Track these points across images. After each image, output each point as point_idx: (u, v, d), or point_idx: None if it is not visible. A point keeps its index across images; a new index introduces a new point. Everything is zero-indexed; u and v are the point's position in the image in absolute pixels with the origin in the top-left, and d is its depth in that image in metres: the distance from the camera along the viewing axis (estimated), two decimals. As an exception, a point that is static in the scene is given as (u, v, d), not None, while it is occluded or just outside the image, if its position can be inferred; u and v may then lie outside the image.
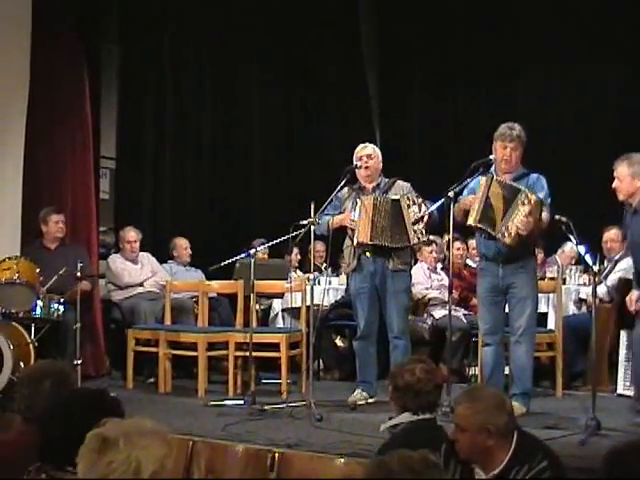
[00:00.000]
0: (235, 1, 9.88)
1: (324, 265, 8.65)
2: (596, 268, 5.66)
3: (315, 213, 6.16)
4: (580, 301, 7.93)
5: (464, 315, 7.96)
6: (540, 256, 7.61)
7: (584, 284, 7.98)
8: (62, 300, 6.88)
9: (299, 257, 9.18)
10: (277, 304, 8.59)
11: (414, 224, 6.36)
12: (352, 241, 6.50)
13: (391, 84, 11.71)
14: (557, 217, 5.58)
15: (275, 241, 6.78)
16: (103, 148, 8.64)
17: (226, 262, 6.92)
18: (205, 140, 9.85)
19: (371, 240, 6.40)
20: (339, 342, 8.44)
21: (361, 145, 6.69)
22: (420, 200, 6.41)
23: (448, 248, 7.11)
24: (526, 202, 5.72)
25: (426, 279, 8.31)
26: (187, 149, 9.67)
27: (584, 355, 7.26)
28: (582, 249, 5.56)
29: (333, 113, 11.31)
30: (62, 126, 7.81)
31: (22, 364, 6.28)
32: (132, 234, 8.15)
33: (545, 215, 5.85)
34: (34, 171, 7.65)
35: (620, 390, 6.99)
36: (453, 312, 6.64)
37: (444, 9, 10.90)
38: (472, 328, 7.46)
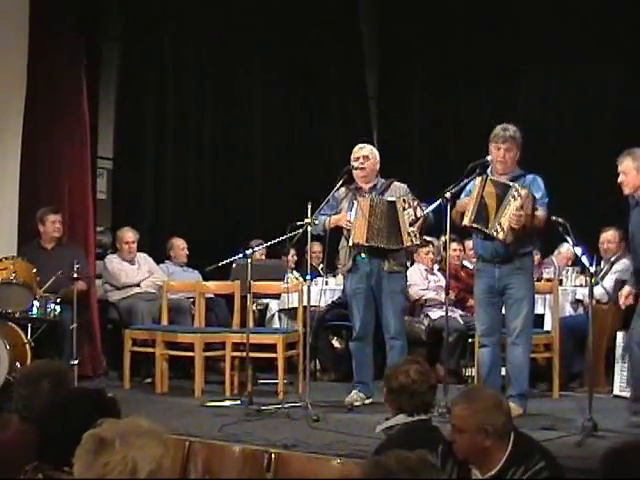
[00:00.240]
0: (236, 1, 9.89)
1: (321, 266, 8.65)
2: (593, 269, 5.66)
3: (312, 214, 6.17)
4: (577, 302, 7.93)
5: (461, 316, 7.97)
6: (537, 257, 7.61)
7: (581, 285, 7.98)
8: (59, 300, 6.88)
9: (296, 258, 9.18)
10: (274, 305, 8.58)
11: (410, 225, 6.36)
12: (348, 242, 6.51)
13: (391, 84, 11.70)
14: (554, 218, 5.58)
15: (272, 242, 6.77)
16: (100, 148, 8.65)
17: (223, 262, 6.92)
18: (205, 140, 9.86)
19: (367, 241, 6.40)
20: (336, 343, 8.43)
21: (358, 146, 6.69)
22: (416, 203, 6.41)
23: (445, 249, 7.13)
24: (517, 196, 5.75)
25: (423, 280, 8.31)
26: (187, 149, 9.67)
27: (581, 356, 7.26)
28: (579, 250, 5.56)
29: (334, 113, 11.31)
30: (60, 125, 7.81)
31: (19, 364, 6.28)
32: (130, 234, 8.15)
33: (541, 212, 5.86)
34: (32, 171, 7.65)
35: (617, 391, 6.99)
36: (450, 313, 6.66)
37: (444, 9, 10.89)
38: (469, 329, 7.47)
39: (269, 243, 6.90)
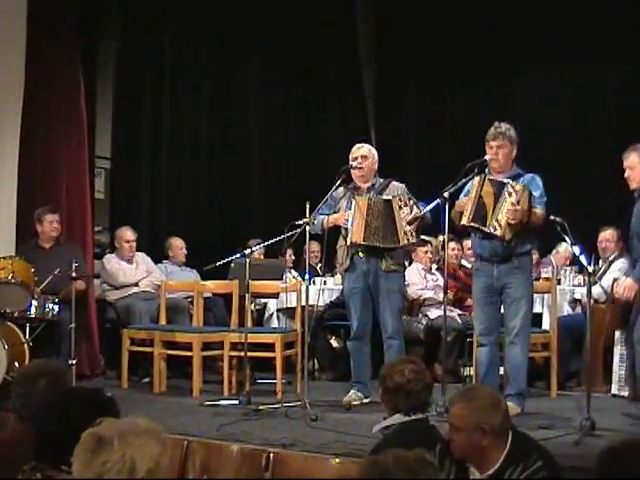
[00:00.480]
0: (235, 1, 9.89)
1: (319, 265, 8.65)
2: (591, 269, 5.66)
3: (310, 213, 6.17)
4: (575, 301, 7.94)
5: (459, 315, 7.98)
6: (535, 257, 7.62)
7: (579, 284, 7.99)
8: (57, 300, 6.87)
9: (294, 257, 9.18)
10: (272, 304, 8.59)
11: (409, 224, 6.37)
12: (345, 241, 6.51)
13: (389, 84, 11.69)
14: (552, 217, 5.59)
15: (270, 241, 6.78)
16: (98, 148, 8.64)
17: (221, 262, 6.92)
18: (203, 140, 9.86)
19: (364, 240, 6.40)
20: (334, 342, 8.43)
21: (357, 145, 6.70)
22: (412, 202, 6.42)
23: (443, 248, 7.13)
24: (512, 192, 5.77)
25: (421, 279, 8.32)
26: (184, 148, 9.67)
27: (579, 355, 7.27)
28: (577, 249, 5.56)
29: (332, 113, 11.31)
30: (58, 125, 7.80)
31: (17, 364, 6.27)
32: (129, 233, 8.15)
33: (540, 211, 5.87)
34: (30, 171, 7.64)
35: (614, 390, 7.00)
36: (448, 312, 6.66)
37: (443, 9, 10.88)
38: (467, 328, 7.48)
39: (267, 243, 6.90)
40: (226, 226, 9.68)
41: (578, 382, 7.38)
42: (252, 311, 7.76)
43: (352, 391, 6.53)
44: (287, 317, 8.31)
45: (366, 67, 11.69)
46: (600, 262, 7.86)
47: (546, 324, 7.53)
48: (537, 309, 7.44)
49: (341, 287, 7.09)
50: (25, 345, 6.50)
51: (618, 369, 7.00)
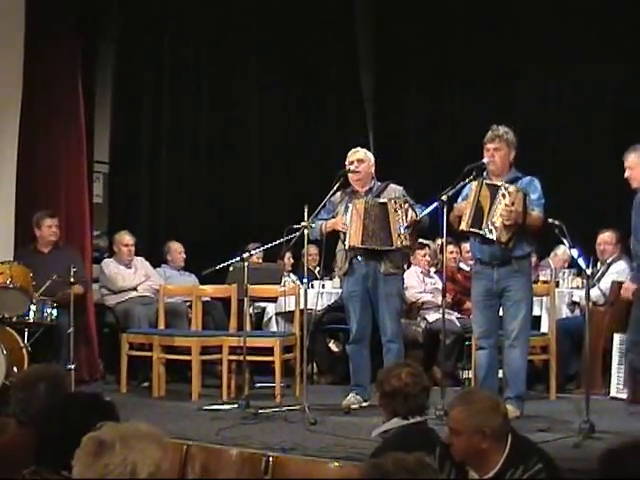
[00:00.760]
0: (235, 1, 9.89)
1: (317, 269, 8.65)
2: (589, 271, 5.67)
3: (309, 217, 6.17)
4: (573, 304, 7.94)
5: (457, 318, 7.98)
6: (533, 259, 7.62)
7: (577, 287, 7.99)
8: (55, 304, 6.87)
9: (292, 261, 9.18)
10: (271, 308, 8.58)
11: (407, 228, 6.37)
12: (344, 245, 6.52)
13: (389, 84, 11.66)
14: (550, 220, 5.59)
15: (268, 245, 6.78)
16: (96, 152, 8.63)
17: (220, 266, 6.92)
18: (202, 142, 9.84)
19: (362, 243, 6.41)
20: (333, 346, 8.43)
21: (353, 150, 6.72)
22: (407, 205, 6.42)
23: (441, 252, 7.13)
24: (506, 193, 5.78)
25: (419, 283, 8.32)
26: (184, 149, 9.65)
27: (578, 358, 7.27)
28: (575, 252, 5.57)
29: (332, 113, 11.30)
30: (57, 127, 7.79)
31: (16, 369, 6.26)
32: (128, 237, 8.15)
33: (537, 213, 5.88)
34: (28, 175, 7.63)
35: (613, 393, 7.00)
36: (447, 315, 6.66)
37: (442, 9, 10.86)
38: (465, 331, 7.49)
39: (266, 247, 6.90)
40: (226, 226, 9.64)
41: (577, 385, 7.38)
42: (251, 315, 7.75)
43: (351, 395, 6.52)
44: (286, 321, 8.31)
45: (365, 68, 11.66)
46: (598, 264, 7.85)
47: (545, 327, 7.53)
48: (536, 312, 7.40)
49: (340, 290, 7.09)
50: (24, 350, 6.49)
51: (617, 371, 7.00)
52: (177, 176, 9.57)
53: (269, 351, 7.00)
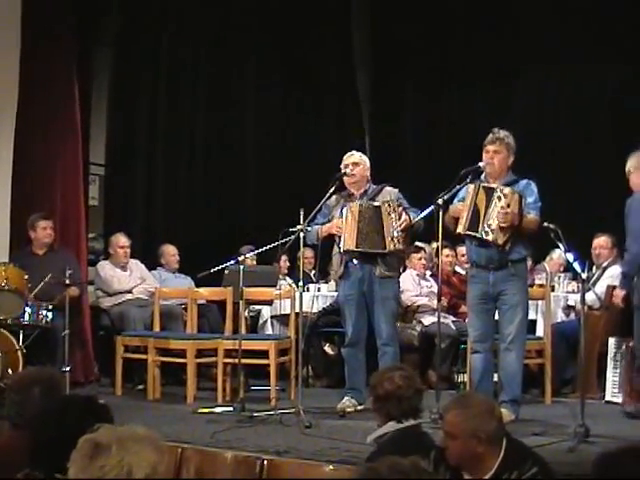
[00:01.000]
0: (233, 1, 9.88)
1: (313, 272, 8.64)
2: (585, 275, 5.67)
3: (304, 220, 6.17)
4: (569, 308, 7.95)
5: (453, 322, 7.98)
6: (529, 263, 7.63)
7: (573, 291, 7.99)
8: (51, 307, 6.86)
9: (288, 264, 9.17)
10: (266, 311, 8.57)
11: (403, 231, 6.38)
12: (339, 248, 6.52)
13: (386, 84, 11.62)
14: (546, 224, 5.59)
15: (263, 248, 6.77)
16: (92, 155, 8.62)
17: (215, 269, 6.91)
18: (198, 144, 9.83)
19: (357, 247, 6.41)
20: (328, 349, 8.43)
21: (348, 153, 6.72)
22: (401, 209, 6.43)
23: (437, 255, 7.13)
24: (502, 195, 5.79)
25: (415, 286, 8.32)
26: (181, 150, 9.63)
27: (573, 362, 7.27)
28: (571, 256, 5.57)
29: (330, 114, 11.28)
30: (53, 129, 7.79)
31: (10, 371, 6.26)
32: (123, 239, 8.14)
33: (534, 216, 5.89)
34: (24, 176, 7.63)
35: (609, 397, 7.00)
36: (442, 319, 6.65)
37: (441, 9, 10.81)
38: (461, 335, 7.48)
39: (260, 250, 6.89)
40: (223, 227, 9.62)
41: (572, 389, 7.38)
42: (246, 318, 7.75)
43: (346, 398, 6.52)
44: (281, 324, 8.31)
45: (362, 68, 11.61)
46: (594, 269, 7.86)
47: (540, 331, 7.53)
48: (531, 316, 7.41)
49: (335, 294, 7.08)
50: (19, 352, 6.49)
51: (612, 376, 7.00)
52: (173, 178, 9.56)
53: (264, 354, 6.99)
